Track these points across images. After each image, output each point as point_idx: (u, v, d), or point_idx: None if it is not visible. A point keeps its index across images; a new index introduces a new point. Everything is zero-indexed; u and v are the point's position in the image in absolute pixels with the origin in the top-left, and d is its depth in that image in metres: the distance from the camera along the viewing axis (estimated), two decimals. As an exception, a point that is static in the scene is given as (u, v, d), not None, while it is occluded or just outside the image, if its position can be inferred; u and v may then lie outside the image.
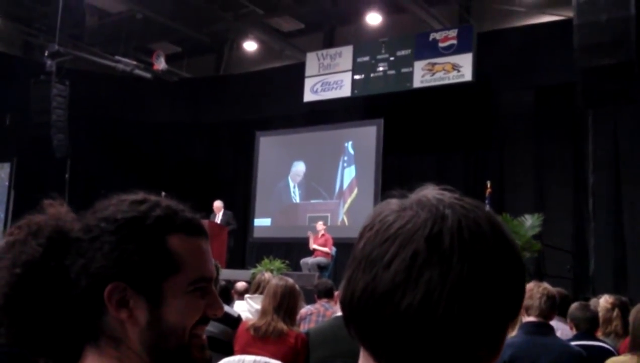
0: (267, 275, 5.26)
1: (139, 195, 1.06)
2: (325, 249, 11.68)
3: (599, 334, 4.47)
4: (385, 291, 0.70)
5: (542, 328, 3.46)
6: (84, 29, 14.33)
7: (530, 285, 3.58)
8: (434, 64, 12.30)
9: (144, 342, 1.01)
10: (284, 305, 3.75)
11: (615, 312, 4.55)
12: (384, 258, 0.71)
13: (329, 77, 13.66)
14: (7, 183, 14.77)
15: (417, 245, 0.70)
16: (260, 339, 3.68)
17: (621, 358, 3.29)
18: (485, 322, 0.69)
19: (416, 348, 0.69)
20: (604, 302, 4.65)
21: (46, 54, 13.01)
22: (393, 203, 0.80)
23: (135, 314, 1.00)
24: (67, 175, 13.47)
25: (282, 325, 3.69)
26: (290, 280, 4.02)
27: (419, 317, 0.68)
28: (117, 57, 13.88)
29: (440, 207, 0.75)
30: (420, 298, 0.68)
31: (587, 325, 4.19)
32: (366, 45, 13.37)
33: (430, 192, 0.81)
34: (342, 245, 12.61)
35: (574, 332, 4.22)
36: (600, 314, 4.53)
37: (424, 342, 0.68)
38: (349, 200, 13.86)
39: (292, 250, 13.28)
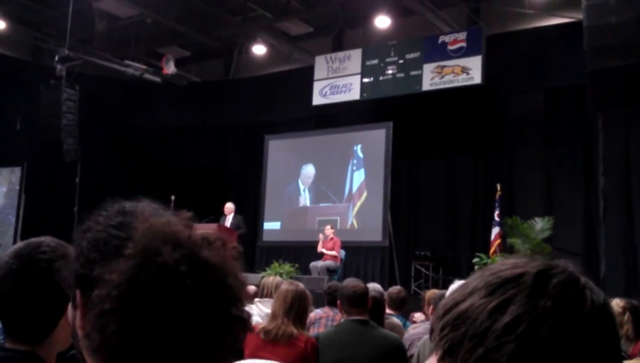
0: (272, 278, 5.25)
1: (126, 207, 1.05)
2: (333, 253, 11.66)
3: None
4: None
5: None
6: (94, 34, 14.41)
7: None
8: (443, 67, 12.28)
9: None
10: (294, 309, 3.75)
11: (627, 316, 4.51)
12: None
13: (338, 81, 13.66)
14: (17, 187, 14.82)
15: (526, 277, 0.70)
16: (270, 343, 3.68)
17: (632, 362, 3.27)
18: None
19: None
20: (615, 305, 4.61)
21: (56, 58, 13.07)
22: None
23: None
24: (77, 179, 13.52)
25: (292, 329, 3.68)
26: (301, 285, 4.01)
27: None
28: (127, 62, 13.93)
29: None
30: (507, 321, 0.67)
31: None
32: (375, 48, 13.37)
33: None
34: (352, 249, 12.62)
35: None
36: None
37: None
38: (358, 204, 13.84)
39: (301, 253, 13.27)
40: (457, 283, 3.59)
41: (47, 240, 1.50)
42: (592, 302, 0.70)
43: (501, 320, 0.66)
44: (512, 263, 0.73)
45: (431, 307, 4.63)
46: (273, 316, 3.73)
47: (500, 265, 0.73)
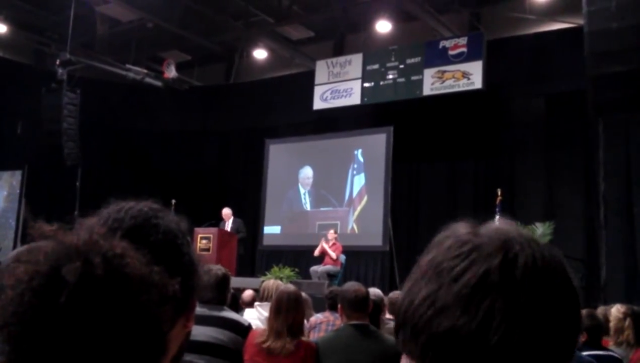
0: (272, 282, 5.25)
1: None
2: (333, 255, 11.61)
3: (611, 344, 4.43)
4: (446, 304, 0.70)
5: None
6: (95, 38, 14.44)
7: None
8: (443, 72, 12.29)
9: (172, 357, 0.97)
10: (295, 321, 3.73)
11: (627, 322, 4.50)
12: (453, 271, 0.71)
13: (339, 85, 13.68)
14: (18, 191, 14.83)
15: (489, 266, 0.70)
16: (272, 355, 3.67)
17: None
18: (539, 358, 0.69)
19: None
20: (615, 311, 4.60)
21: (57, 62, 13.09)
22: (466, 225, 0.79)
23: (188, 324, 0.99)
24: (77, 183, 13.53)
25: (294, 342, 3.67)
26: (292, 287, 3.99)
27: (473, 339, 0.67)
28: (128, 66, 13.95)
29: (516, 237, 0.73)
30: (479, 320, 0.68)
31: (592, 334, 4.12)
32: (376, 53, 13.38)
33: (502, 222, 0.78)
34: (352, 253, 12.60)
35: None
36: (612, 323, 4.49)
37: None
38: (358, 208, 13.84)
39: (301, 257, 13.26)
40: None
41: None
42: (558, 281, 0.72)
43: (490, 339, 0.67)
44: (464, 252, 0.73)
45: None
46: (277, 333, 3.69)
47: (450, 260, 0.74)
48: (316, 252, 11.84)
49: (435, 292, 0.71)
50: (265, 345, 3.65)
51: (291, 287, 4.02)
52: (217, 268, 3.94)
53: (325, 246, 11.73)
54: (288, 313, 3.71)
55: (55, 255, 0.72)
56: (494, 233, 0.74)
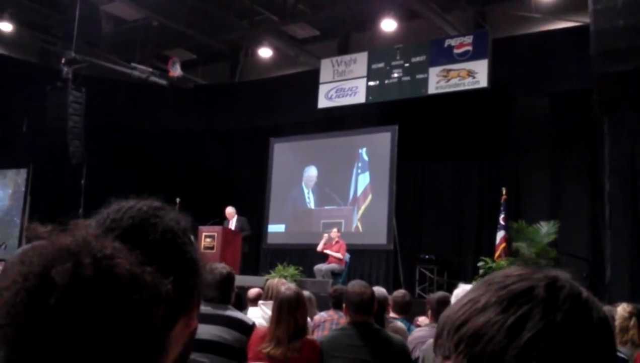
0: (276, 280, 5.24)
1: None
2: (338, 255, 11.65)
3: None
4: (487, 304, 0.73)
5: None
6: (101, 36, 14.45)
7: None
8: (449, 70, 12.27)
9: (177, 357, 0.96)
10: (297, 325, 3.71)
11: (633, 321, 4.50)
12: (501, 283, 0.75)
13: (344, 84, 13.67)
14: (23, 189, 14.88)
15: (536, 284, 0.74)
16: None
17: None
18: None
19: None
20: (621, 310, 4.60)
21: (63, 60, 13.11)
22: None
23: (190, 323, 0.99)
24: (82, 181, 13.54)
25: (297, 346, 3.65)
26: (293, 289, 3.94)
27: (505, 334, 0.70)
28: (133, 64, 13.97)
29: (567, 278, 0.77)
30: (516, 319, 0.71)
31: None
32: (381, 51, 13.37)
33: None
34: (356, 252, 12.61)
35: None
36: (617, 322, 4.49)
37: None
38: (363, 207, 13.84)
39: (305, 256, 13.27)
40: (461, 287, 3.58)
41: None
42: (597, 315, 0.74)
43: (521, 336, 0.70)
44: (517, 275, 0.76)
45: (429, 311, 4.61)
46: (277, 341, 3.68)
47: (504, 277, 0.76)
48: (319, 248, 11.83)
49: (479, 295, 0.75)
50: (265, 351, 3.65)
51: (292, 289, 3.96)
52: (222, 267, 3.93)
53: (328, 251, 11.74)
54: (290, 319, 3.69)
55: (47, 256, 0.72)
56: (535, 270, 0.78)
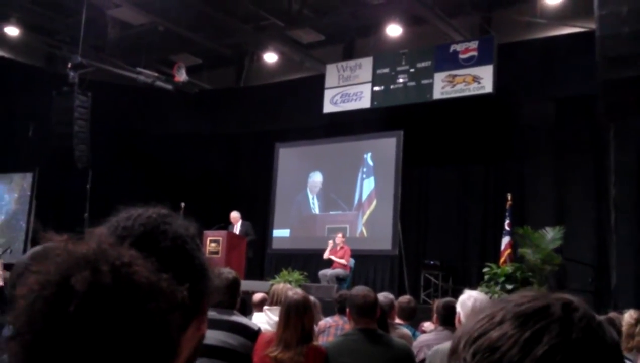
0: (281, 286, 5.23)
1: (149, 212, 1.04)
2: (342, 261, 11.65)
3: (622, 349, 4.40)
4: (504, 319, 0.75)
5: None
6: (106, 41, 14.50)
7: None
8: (454, 76, 12.27)
9: (186, 360, 0.97)
10: (305, 330, 3.71)
11: (639, 328, 4.48)
12: (518, 301, 0.78)
13: (349, 89, 13.68)
14: (29, 193, 14.91)
15: (553, 303, 0.76)
16: None
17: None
18: None
19: None
20: (628, 316, 4.59)
21: (69, 65, 13.16)
22: None
23: (201, 327, 0.99)
24: (88, 186, 13.58)
25: (304, 351, 3.65)
26: (301, 293, 3.95)
27: (521, 348, 0.72)
28: (139, 69, 14.01)
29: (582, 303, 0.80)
30: (532, 332, 0.73)
31: None
32: (386, 56, 13.37)
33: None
34: (361, 257, 12.59)
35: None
36: (624, 329, 4.47)
37: None
38: (368, 212, 13.82)
39: (310, 261, 13.26)
40: (467, 294, 3.57)
41: None
42: (611, 337, 0.77)
43: (537, 350, 0.71)
44: (531, 296, 0.79)
45: (435, 316, 4.60)
46: (286, 345, 3.67)
47: (519, 297, 0.79)
48: (325, 255, 11.84)
49: (497, 311, 0.77)
50: (272, 355, 3.64)
51: (299, 293, 3.97)
52: (228, 272, 3.94)
53: (333, 257, 11.75)
54: (297, 323, 3.68)
55: (65, 265, 0.73)
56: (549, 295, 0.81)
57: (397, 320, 5.64)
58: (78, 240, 0.79)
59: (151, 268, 0.76)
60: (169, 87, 14.29)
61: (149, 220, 0.98)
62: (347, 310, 3.87)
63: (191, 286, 0.90)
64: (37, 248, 1.56)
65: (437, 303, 4.72)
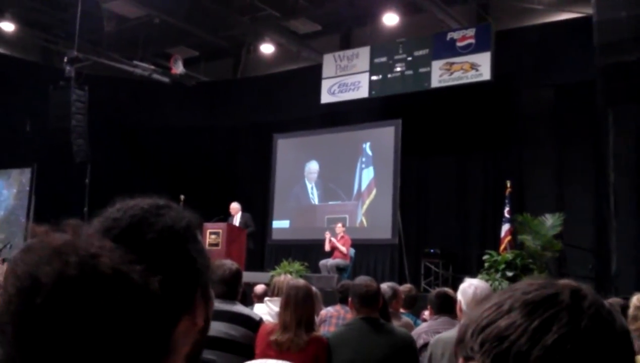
0: (282, 277, 5.24)
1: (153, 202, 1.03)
2: (343, 249, 11.64)
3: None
4: (512, 307, 0.76)
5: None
6: (103, 35, 14.44)
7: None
8: (452, 64, 12.24)
9: (187, 355, 0.95)
10: (304, 316, 3.72)
11: (642, 311, 4.52)
12: (526, 289, 0.78)
13: (346, 79, 13.65)
14: (28, 188, 14.91)
15: (561, 291, 0.76)
16: (282, 351, 3.67)
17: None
18: None
19: None
20: (636, 300, 4.65)
21: (65, 59, 13.11)
22: None
23: (197, 322, 0.98)
24: (87, 180, 13.56)
25: (303, 338, 3.66)
26: (305, 283, 3.98)
27: (530, 337, 0.72)
28: (135, 62, 13.97)
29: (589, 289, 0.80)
30: (541, 321, 0.73)
31: None
32: (383, 45, 13.34)
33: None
34: (361, 246, 12.61)
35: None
36: (630, 311, 4.54)
37: None
38: (367, 202, 13.83)
39: (310, 251, 13.27)
40: (467, 282, 3.57)
41: None
42: (621, 323, 0.76)
43: (546, 339, 0.71)
44: (538, 284, 0.78)
45: (429, 307, 4.60)
46: (284, 327, 3.69)
47: (527, 285, 0.79)
48: (327, 247, 11.85)
49: (504, 299, 0.77)
50: (272, 338, 3.66)
51: (301, 282, 4.01)
52: (230, 263, 3.95)
53: (335, 241, 11.75)
54: (297, 307, 3.71)
55: (37, 257, 0.74)
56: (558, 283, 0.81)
57: (401, 310, 5.65)
58: (56, 232, 0.79)
59: (121, 259, 0.76)
60: (166, 79, 14.26)
61: (139, 212, 0.97)
62: (350, 299, 3.88)
63: (181, 280, 0.90)
64: (30, 241, 1.54)
65: (429, 296, 4.73)
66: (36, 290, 0.72)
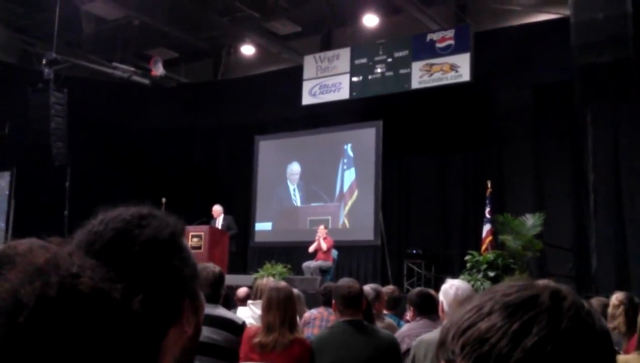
0: (265, 280, 5.23)
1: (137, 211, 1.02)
2: (324, 247, 11.55)
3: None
4: (492, 310, 0.76)
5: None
6: (81, 36, 14.35)
7: None
8: (431, 65, 12.30)
9: (177, 359, 0.96)
10: (287, 316, 3.72)
11: (620, 309, 4.60)
12: (506, 291, 0.78)
13: (327, 80, 13.66)
14: (7, 192, 14.73)
15: (541, 292, 0.76)
16: (266, 353, 3.66)
17: (629, 356, 3.27)
18: None
19: None
20: (614, 298, 4.74)
21: (44, 62, 12.98)
22: None
23: (185, 330, 0.97)
24: (67, 183, 13.45)
25: (288, 337, 3.66)
26: (283, 284, 3.98)
27: (510, 339, 0.73)
28: (115, 64, 13.87)
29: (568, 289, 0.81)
30: (521, 324, 0.73)
31: None
32: (363, 47, 13.37)
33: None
34: (344, 248, 12.61)
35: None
36: (609, 310, 4.61)
37: None
38: (349, 203, 13.84)
39: (293, 254, 13.24)
40: (449, 283, 3.58)
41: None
42: (600, 324, 0.77)
43: (526, 341, 0.71)
44: (521, 284, 0.79)
45: (411, 308, 4.61)
46: (268, 328, 3.68)
47: (507, 287, 0.79)
48: (311, 249, 11.81)
49: (485, 302, 0.77)
50: (256, 340, 3.65)
51: (282, 284, 4.01)
52: (213, 266, 3.93)
53: (321, 241, 11.70)
54: (279, 308, 3.71)
55: (21, 275, 0.74)
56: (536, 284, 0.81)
57: (385, 312, 5.65)
58: (42, 247, 0.80)
59: (102, 278, 0.76)
60: (146, 81, 14.18)
61: (121, 224, 0.96)
62: (333, 301, 3.88)
63: (165, 292, 0.90)
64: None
65: (409, 296, 4.74)
66: (19, 310, 0.72)
